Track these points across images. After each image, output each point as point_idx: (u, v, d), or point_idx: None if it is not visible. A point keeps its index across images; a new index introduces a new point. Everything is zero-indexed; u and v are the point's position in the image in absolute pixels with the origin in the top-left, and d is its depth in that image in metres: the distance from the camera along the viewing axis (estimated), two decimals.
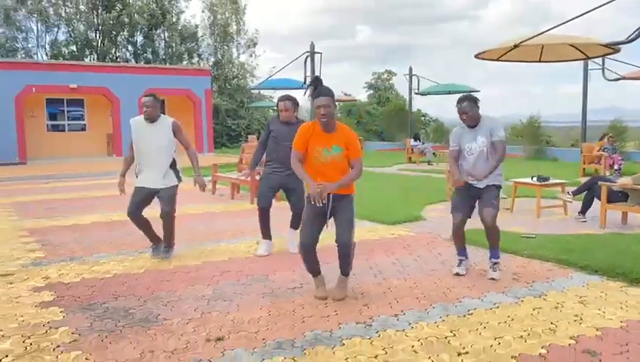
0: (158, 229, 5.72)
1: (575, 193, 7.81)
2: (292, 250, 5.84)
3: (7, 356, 3.32)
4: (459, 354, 3.31)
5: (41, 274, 5.14)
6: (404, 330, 3.70)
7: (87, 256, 5.84)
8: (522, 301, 4.32)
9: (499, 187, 5.03)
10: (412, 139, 19.18)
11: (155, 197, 5.64)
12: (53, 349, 3.41)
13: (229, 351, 3.36)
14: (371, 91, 38.48)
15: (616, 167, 12.47)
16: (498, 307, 4.18)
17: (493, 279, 4.86)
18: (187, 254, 5.86)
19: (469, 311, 4.09)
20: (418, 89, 21.09)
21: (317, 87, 4.23)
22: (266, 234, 5.94)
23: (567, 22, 7.43)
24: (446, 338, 3.57)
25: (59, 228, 7.41)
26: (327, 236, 4.52)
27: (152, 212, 5.78)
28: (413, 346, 3.43)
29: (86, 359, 3.27)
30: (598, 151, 13.43)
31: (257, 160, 6.14)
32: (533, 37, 7.70)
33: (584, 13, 7.21)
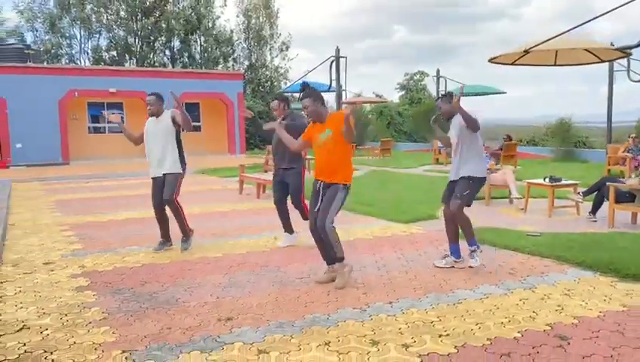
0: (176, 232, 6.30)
1: (585, 193, 8.01)
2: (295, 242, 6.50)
3: (47, 329, 3.87)
4: (440, 336, 3.69)
5: (78, 263, 5.73)
6: (394, 315, 4.09)
7: (120, 248, 6.42)
8: (512, 293, 4.65)
9: (470, 178, 5.33)
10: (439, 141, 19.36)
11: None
12: (86, 325, 3.95)
13: (236, 329, 3.83)
14: (403, 92, 38.64)
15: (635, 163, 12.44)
16: (487, 297, 4.52)
17: (471, 267, 5.25)
18: (210, 247, 6.37)
19: (459, 300, 4.45)
20: (445, 90, 21.23)
21: (303, 90, 5.10)
22: (286, 227, 6.48)
23: (580, 25, 7.66)
24: (432, 322, 3.95)
25: (96, 224, 8.05)
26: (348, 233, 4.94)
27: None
28: (400, 328, 3.83)
29: (113, 333, 3.79)
30: (623, 152, 13.43)
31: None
32: (545, 41, 7.93)
33: (593, 17, 7.43)
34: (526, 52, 7.90)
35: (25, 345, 3.61)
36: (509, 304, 4.35)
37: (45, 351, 3.50)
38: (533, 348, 3.49)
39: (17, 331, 3.85)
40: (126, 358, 3.39)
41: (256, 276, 5.18)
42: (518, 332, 3.75)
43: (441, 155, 18.65)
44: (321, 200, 4.87)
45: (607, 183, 7.51)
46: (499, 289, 4.76)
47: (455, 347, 3.51)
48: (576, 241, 6.31)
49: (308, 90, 5.04)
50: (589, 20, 7.73)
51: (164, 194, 6.06)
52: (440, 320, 4.00)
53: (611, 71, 13.88)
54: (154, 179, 6.20)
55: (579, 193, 8.09)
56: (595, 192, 7.87)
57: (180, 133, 6.18)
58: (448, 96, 5.50)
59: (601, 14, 7.57)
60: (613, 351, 3.43)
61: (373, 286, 4.83)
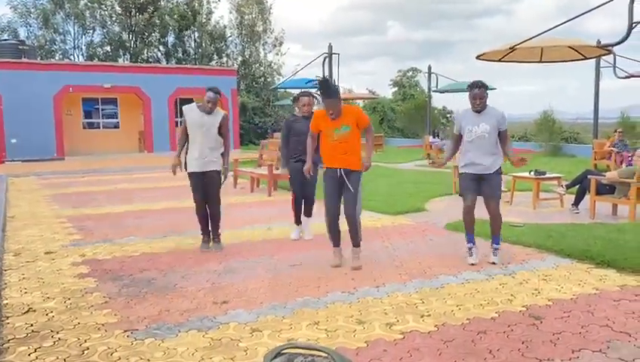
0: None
1: (568, 186, 8.30)
2: (306, 237, 6.53)
3: (52, 311, 4.10)
4: (422, 316, 3.95)
5: (79, 252, 5.95)
6: (380, 298, 4.35)
7: (119, 238, 6.64)
8: (493, 278, 4.91)
9: (501, 172, 5.41)
10: (431, 136, 19.67)
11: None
12: (88, 308, 4.18)
13: (231, 311, 4.07)
14: (396, 88, 38.90)
15: (625, 164, 12.74)
16: (469, 282, 4.79)
17: (494, 263, 5.32)
18: None
19: (442, 285, 4.71)
20: (437, 87, 21.55)
21: (326, 88, 5.05)
22: (299, 220, 6.61)
23: (567, 21, 7.90)
24: (415, 304, 4.20)
25: (94, 216, 8.26)
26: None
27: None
28: (385, 310, 4.08)
29: (115, 315, 4.02)
30: (609, 147, 13.74)
31: (287, 156, 6.57)
32: (530, 39, 8.19)
33: (581, 14, 7.69)
34: (512, 49, 8.16)
35: (32, 325, 3.84)
36: (489, 288, 4.61)
37: (52, 331, 3.73)
38: (508, 326, 3.75)
39: (24, 313, 4.08)
40: (127, 336, 3.63)
41: (251, 264, 5.42)
42: (496, 312, 4.02)
43: (432, 150, 18.93)
44: (347, 187, 5.12)
45: (589, 176, 7.79)
46: (480, 275, 5.02)
47: (435, 326, 3.76)
48: (556, 231, 6.57)
49: (331, 89, 5.07)
50: (575, 17, 7.97)
51: (213, 191, 5.94)
52: (423, 302, 4.26)
53: (597, 68, 14.18)
54: (194, 173, 5.90)
55: (562, 186, 8.37)
56: (578, 185, 8.14)
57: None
58: (485, 86, 5.30)
59: (585, 11, 7.81)
60: (581, 329, 3.69)
61: (362, 273, 5.08)
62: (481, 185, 5.37)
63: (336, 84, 14.85)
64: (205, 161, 5.84)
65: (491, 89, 20.54)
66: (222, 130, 5.94)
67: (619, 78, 13.45)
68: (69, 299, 4.39)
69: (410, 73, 40.34)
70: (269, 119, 30.86)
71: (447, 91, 20.92)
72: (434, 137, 19.60)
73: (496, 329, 3.69)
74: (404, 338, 3.57)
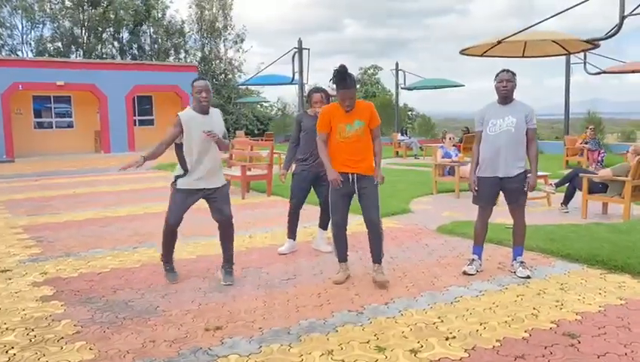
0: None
1: (558, 185, 8.05)
2: (323, 249, 5.77)
3: (13, 347, 3.44)
4: (447, 339, 3.50)
5: (39, 269, 5.25)
6: (394, 317, 3.87)
7: (83, 251, 5.95)
8: (506, 288, 4.52)
9: (525, 173, 4.86)
10: (399, 134, 19.39)
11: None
12: (57, 340, 3.54)
13: (227, 339, 3.51)
14: (358, 86, 38.70)
15: (599, 158, 12.76)
16: (484, 294, 4.37)
17: (523, 277, 4.74)
18: (181, 248, 5.96)
19: (455, 298, 4.28)
20: (404, 84, 21.31)
21: (343, 78, 4.41)
22: (293, 233, 5.81)
23: (553, 16, 7.65)
24: (434, 324, 3.75)
25: (53, 225, 7.50)
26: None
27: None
28: (403, 332, 3.61)
29: (90, 349, 3.40)
30: (581, 143, 13.72)
31: (291, 158, 5.81)
32: (517, 33, 7.91)
33: (568, 9, 7.43)
34: (499, 42, 7.85)
35: None
36: (508, 301, 4.21)
37: None
38: (545, 348, 3.34)
39: None
40: None
41: (238, 279, 4.86)
42: (525, 331, 3.61)
43: (400, 148, 18.65)
44: (363, 194, 4.57)
45: (580, 174, 7.55)
46: (492, 284, 4.62)
47: (465, 350, 3.32)
48: (556, 233, 6.27)
49: (351, 77, 4.45)
50: (543, 20, 7.74)
51: (226, 210, 4.78)
52: (442, 321, 3.81)
53: (568, 63, 14.19)
54: (192, 191, 4.70)
55: (551, 184, 8.12)
56: (567, 183, 7.90)
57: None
58: (512, 72, 4.75)
59: (555, 14, 7.58)
60: (625, 349, 3.32)
61: (364, 286, 4.60)
62: (503, 190, 4.89)
63: (306, 80, 14.38)
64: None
65: (459, 85, 20.49)
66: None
67: (590, 74, 13.44)
68: (33, 329, 3.74)
69: (371, 71, 40.26)
70: (231, 117, 30.09)
71: (415, 88, 20.70)
72: (402, 135, 19.33)
73: (534, 353, 3.27)
74: None
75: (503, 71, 4.75)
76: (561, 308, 4.02)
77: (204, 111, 4.67)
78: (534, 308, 4.03)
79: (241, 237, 6.54)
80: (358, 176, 4.57)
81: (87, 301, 4.31)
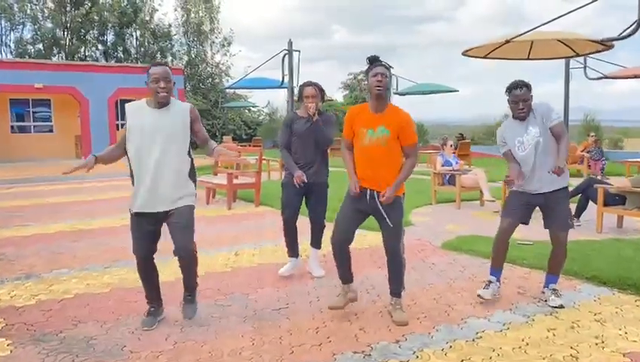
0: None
1: (569, 196, 7.46)
2: (315, 273, 5.07)
3: None
4: None
5: None
6: (408, 361, 3.24)
7: (46, 272, 5.24)
8: (533, 320, 3.90)
9: (567, 189, 4.34)
10: None
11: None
12: None
13: None
14: (347, 92, 38.19)
15: (601, 167, 12.28)
16: (508, 328, 3.75)
17: (561, 307, 4.12)
18: (159, 269, 5.29)
19: (477, 333, 3.65)
20: (397, 89, 20.75)
21: (375, 60, 3.85)
22: (293, 250, 5.08)
23: (554, 20, 7.09)
24: None
25: (18, 239, 6.77)
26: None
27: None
28: None
29: None
30: (582, 151, 13.24)
31: (292, 160, 5.00)
32: (524, 33, 7.35)
33: (574, 10, 6.89)
34: (507, 42, 7.29)
35: None
36: (538, 337, 3.59)
37: None
38: None
39: None
40: None
41: (222, 308, 4.19)
42: None
43: None
44: (382, 217, 3.88)
45: (595, 185, 6.98)
46: (516, 315, 4.00)
47: None
48: (574, 251, 5.64)
49: (380, 61, 3.85)
50: (539, 26, 7.20)
51: (182, 239, 3.68)
52: None
53: (567, 67, 13.69)
54: (141, 214, 3.71)
55: None
56: (580, 194, 7.34)
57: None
58: (528, 85, 4.17)
59: (552, 19, 7.05)
60: None
61: (369, 318, 3.96)
62: (542, 209, 4.30)
63: (296, 84, 13.72)
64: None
65: (454, 91, 19.99)
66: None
67: (590, 79, 12.96)
68: None
69: (361, 76, 39.75)
70: (218, 121, 29.39)
71: (408, 93, 20.15)
72: None
73: None
74: None
75: (517, 87, 4.14)
76: (603, 347, 3.41)
77: (161, 105, 3.74)
78: (571, 347, 3.41)
79: (225, 255, 5.88)
80: (377, 193, 3.86)
81: (41, 338, 3.61)
